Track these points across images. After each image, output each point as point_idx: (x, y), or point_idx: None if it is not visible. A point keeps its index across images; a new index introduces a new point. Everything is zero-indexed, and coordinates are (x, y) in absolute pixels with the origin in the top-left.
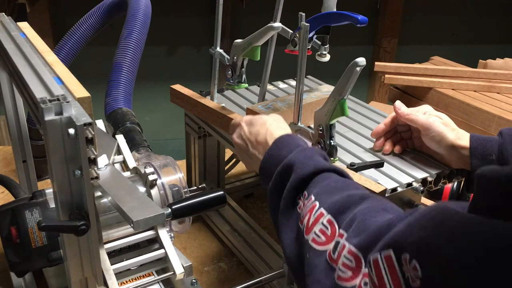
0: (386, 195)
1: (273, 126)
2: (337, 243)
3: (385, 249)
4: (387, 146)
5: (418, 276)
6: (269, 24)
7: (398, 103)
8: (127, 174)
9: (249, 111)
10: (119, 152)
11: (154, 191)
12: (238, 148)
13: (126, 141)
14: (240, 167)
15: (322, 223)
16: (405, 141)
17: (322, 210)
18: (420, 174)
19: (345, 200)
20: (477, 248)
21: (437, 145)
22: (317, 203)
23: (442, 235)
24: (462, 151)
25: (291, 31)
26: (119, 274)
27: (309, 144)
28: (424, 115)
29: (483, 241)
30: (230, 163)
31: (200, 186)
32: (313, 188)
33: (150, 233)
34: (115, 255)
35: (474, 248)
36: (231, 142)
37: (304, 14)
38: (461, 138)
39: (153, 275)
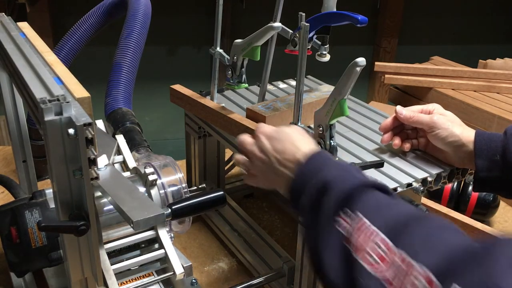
0: None
1: (301, 142)
2: (394, 263)
3: None
4: (396, 141)
5: None
6: (269, 24)
7: (399, 108)
8: (127, 174)
9: (249, 111)
10: (119, 152)
11: (154, 191)
12: (260, 163)
13: (126, 141)
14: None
15: (375, 242)
16: (412, 140)
17: (374, 228)
18: (420, 174)
19: (400, 218)
20: None
21: (442, 143)
22: (367, 221)
23: None
24: (467, 146)
25: (291, 31)
26: (119, 274)
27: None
28: (427, 114)
29: None
30: (230, 163)
31: (200, 186)
32: (358, 205)
33: (150, 233)
34: (115, 255)
35: None
36: (231, 142)
37: (304, 14)
38: (468, 134)
39: (153, 275)
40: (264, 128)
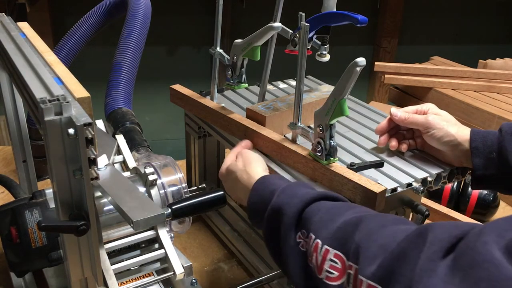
0: (386, 195)
1: (244, 177)
2: (349, 274)
3: None
4: (393, 142)
5: None
6: (269, 24)
7: (393, 110)
8: (127, 174)
9: (249, 111)
10: (119, 152)
11: (154, 191)
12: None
13: (126, 141)
14: None
15: (331, 260)
16: (408, 141)
17: (326, 247)
18: (420, 174)
19: (342, 228)
20: None
21: (438, 142)
22: (319, 241)
23: None
24: (463, 145)
25: (291, 31)
26: (119, 274)
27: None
28: (422, 115)
29: None
30: None
31: (200, 186)
32: (309, 225)
33: (150, 233)
34: (115, 255)
35: None
36: (231, 142)
37: (304, 14)
38: (463, 132)
39: (153, 275)
40: (221, 169)
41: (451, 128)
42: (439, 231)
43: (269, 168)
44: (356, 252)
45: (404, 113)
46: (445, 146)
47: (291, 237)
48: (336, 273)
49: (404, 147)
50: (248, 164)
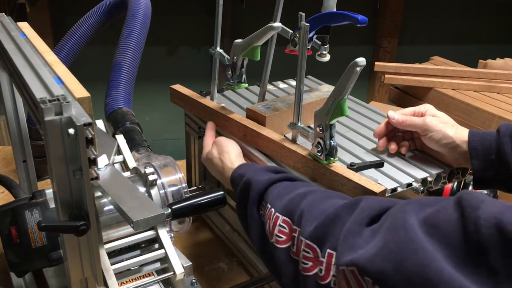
0: (386, 195)
1: (219, 165)
2: (293, 237)
3: (350, 266)
4: (393, 146)
5: None
6: (269, 24)
7: (391, 113)
8: (127, 174)
9: (249, 111)
10: (119, 152)
11: (154, 191)
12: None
13: (126, 141)
14: None
15: (280, 225)
16: (407, 141)
17: (277, 214)
18: (420, 174)
19: (292, 199)
20: None
21: (437, 144)
22: (273, 210)
23: (402, 277)
24: (462, 147)
25: (291, 31)
26: (119, 274)
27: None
28: (419, 117)
29: None
30: None
31: (200, 186)
32: (268, 198)
33: (150, 233)
34: (115, 255)
35: None
36: None
37: (304, 14)
38: (461, 134)
39: (153, 275)
40: (206, 150)
41: (449, 130)
42: (370, 201)
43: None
44: (300, 217)
45: (402, 116)
46: (443, 148)
47: (254, 209)
48: (284, 237)
49: (403, 149)
50: (221, 152)
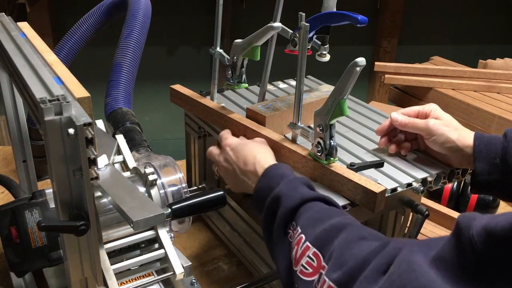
0: (386, 195)
1: (260, 155)
2: (321, 274)
3: None
4: (392, 147)
5: None
6: (269, 24)
7: (394, 115)
8: (127, 174)
9: (249, 111)
10: (119, 152)
11: (154, 191)
12: (224, 172)
13: (126, 141)
14: None
15: (309, 256)
16: (409, 142)
17: (308, 243)
18: (420, 174)
19: (327, 231)
20: None
21: (440, 147)
22: (303, 236)
23: None
24: (466, 150)
25: (291, 31)
26: (119, 274)
27: (294, 173)
28: (422, 120)
29: None
30: None
31: (200, 186)
32: (300, 219)
33: (150, 233)
34: (115, 255)
35: None
36: None
37: (304, 14)
38: (465, 137)
39: (153, 275)
40: (229, 140)
41: (452, 133)
42: (397, 244)
43: None
44: (331, 255)
45: (404, 118)
46: (447, 151)
47: (282, 226)
48: (311, 270)
49: (403, 151)
50: (258, 152)
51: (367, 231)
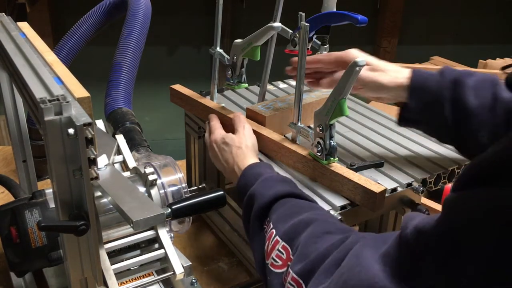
0: (386, 195)
1: (240, 157)
2: (288, 266)
3: None
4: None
5: None
6: (269, 24)
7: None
8: (127, 174)
9: (249, 111)
10: (119, 152)
11: (154, 191)
12: (215, 164)
13: (126, 141)
14: None
15: (278, 249)
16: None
17: (277, 237)
18: (420, 174)
19: (295, 226)
20: None
21: (376, 94)
22: (274, 231)
23: None
24: (398, 90)
25: (291, 31)
26: (119, 274)
27: (272, 171)
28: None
29: None
30: None
31: (200, 186)
32: (273, 215)
33: (150, 233)
34: (115, 255)
35: None
36: None
37: (304, 14)
38: (396, 77)
39: (153, 275)
40: (214, 136)
41: (382, 76)
42: (356, 237)
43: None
44: (297, 249)
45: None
46: (384, 94)
47: (258, 222)
48: (280, 262)
49: (324, 84)
50: (245, 145)
51: (335, 225)
